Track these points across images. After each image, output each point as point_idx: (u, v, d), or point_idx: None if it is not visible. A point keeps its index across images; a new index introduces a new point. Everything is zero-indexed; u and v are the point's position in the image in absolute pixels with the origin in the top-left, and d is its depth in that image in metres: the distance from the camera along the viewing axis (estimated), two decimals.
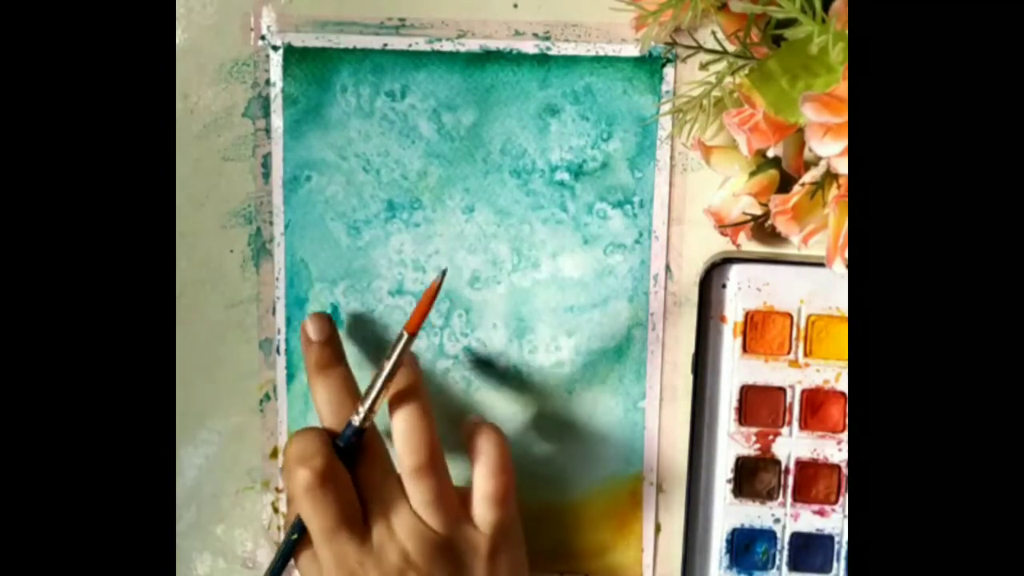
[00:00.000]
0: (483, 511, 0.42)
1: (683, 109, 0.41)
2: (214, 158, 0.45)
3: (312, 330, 0.44)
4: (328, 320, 0.44)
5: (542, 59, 0.43)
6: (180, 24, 0.44)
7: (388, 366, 0.41)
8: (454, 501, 0.42)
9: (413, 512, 0.41)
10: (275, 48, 0.44)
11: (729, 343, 0.45)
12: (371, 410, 0.41)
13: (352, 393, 0.43)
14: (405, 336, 0.41)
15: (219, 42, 0.44)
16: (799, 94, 0.35)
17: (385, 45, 0.44)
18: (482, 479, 0.42)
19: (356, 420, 0.41)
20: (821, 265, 0.41)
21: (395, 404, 0.42)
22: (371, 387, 0.41)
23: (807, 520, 0.46)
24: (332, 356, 0.43)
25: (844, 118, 0.34)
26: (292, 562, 0.42)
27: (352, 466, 0.41)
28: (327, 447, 0.41)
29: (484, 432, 0.42)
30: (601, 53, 0.43)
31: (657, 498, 0.46)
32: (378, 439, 0.42)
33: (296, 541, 0.41)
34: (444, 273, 0.41)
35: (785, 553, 0.46)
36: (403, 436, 0.41)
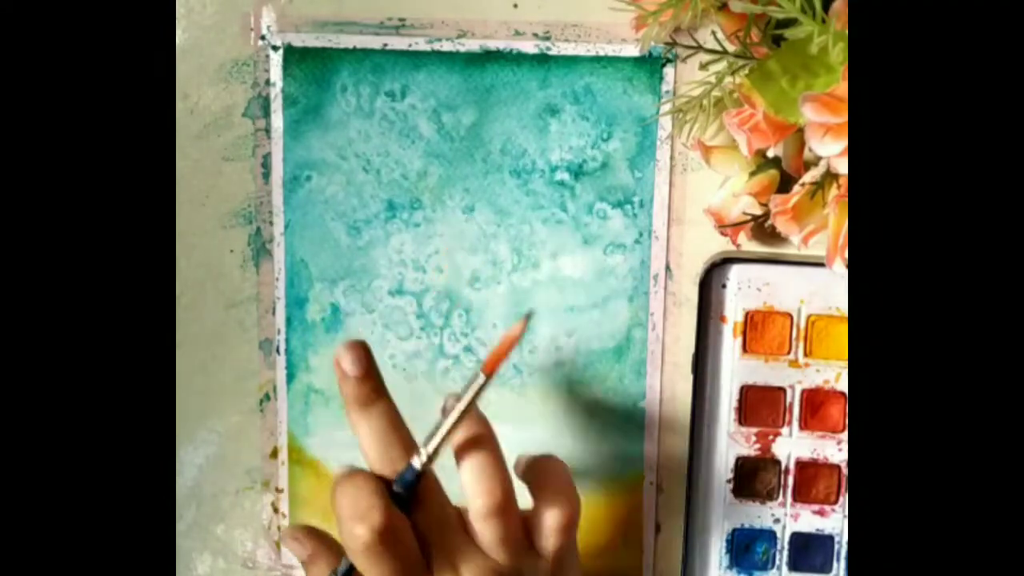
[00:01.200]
0: (549, 541, 0.40)
1: (683, 109, 0.41)
2: (214, 158, 0.45)
3: (348, 364, 0.39)
4: (364, 349, 0.39)
5: (542, 59, 0.43)
6: (180, 24, 0.44)
7: (460, 407, 0.38)
8: (524, 535, 0.40)
9: (480, 552, 0.38)
10: (275, 48, 0.44)
11: (729, 343, 0.45)
12: (436, 453, 0.38)
13: (400, 430, 0.39)
14: (482, 378, 0.38)
15: (219, 42, 0.44)
16: (799, 94, 0.35)
17: (385, 45, 0.44)
18: (548, 511, 0.40)
19: (418, 463, 0.38)
20: (821, 265, 0.41)
21: (463, 446, 0.39)
22: (438, 428, 0.38)
23: (807, 520, 0.46)
24: (374, 390, 0.39)
25: (844, 118, 0.34)
26: None
27: (409, 510, 0.38)
28: (383, 498, 0.37)
29: (550, 461, 0.41)
30: (601, 53, 0.43)
31: (657, 498, 0.46)
32: (432, 476, 0.39)
33: None
34: (529, 316, 0.39)
35: (785, 553, 0.46)
36: (476, 477, 0.38)
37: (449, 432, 0.38)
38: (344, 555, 0.39)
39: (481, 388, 0.38)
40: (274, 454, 0.47)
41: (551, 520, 0.40)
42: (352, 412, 0.39)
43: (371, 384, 0.39)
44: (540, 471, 0.40)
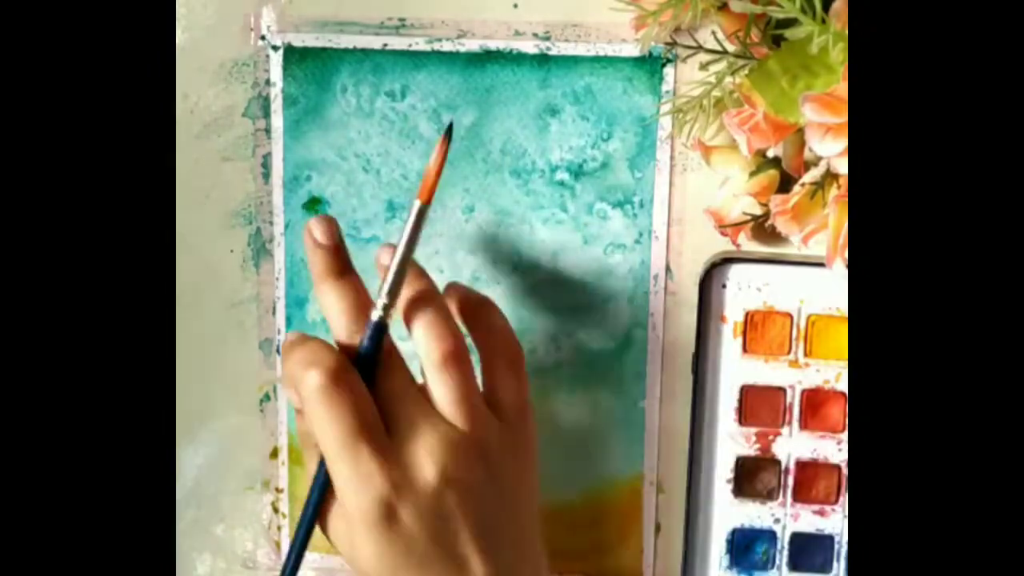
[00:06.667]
0: (502, 391, 0.39)
1: (683, 109, 0.41)
2: (214, 158, 0.45)
3: (320, 233, 0.39)
4: (334, 223, 0.40)
5: (542, 59, 0.43)
6: (180, 24, 0.44)
7: (404, 240, 0.38)
8: (480, 396, 0.38)
9: (444, 420, 0.37)
10: (275, 48, 0.44)
11: (729, 343, 0.45)
12: (391, 299, 0.38)
13: (366, 305, 0.38)
14: (418, 205, 0.38)
15: (219, 42, 0.44)
16: (799, 94, 0.35)
17: (385, 45, 0.44)
18: (498, 357, 0.39)
19: (376, 315, 0.37)
20: (821, 265, 0.41)
21: (411, 303, 0.38)
22: (387, 270, 0.38)
23: (807, 520, 0.46)
24: (343, 263, 0.39)
25: (844, 118, 0.34)
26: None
27: (371, 379, 0.37)
28: (337, 351, 0.37)
29: (481, 302, 0.40)
30: (601, 53, 0.43)
31: (657, 498, 0.46)
32: (395, 349, 0.38)
33: (322, 493, 0.37)
34: (451, 127, 0.38)
35: (785, 553, 0.46)
36: (426, 329, 0.38)
37: (398, 275, 0.38)
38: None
39: (420, 216, 0.38)
40: (274, 454, 0.47)
41: (500, 362, 0.39)
42: (321, 284, 0.39)
43: (341, 256, 0.39)
44: (474, 311, 0.40)
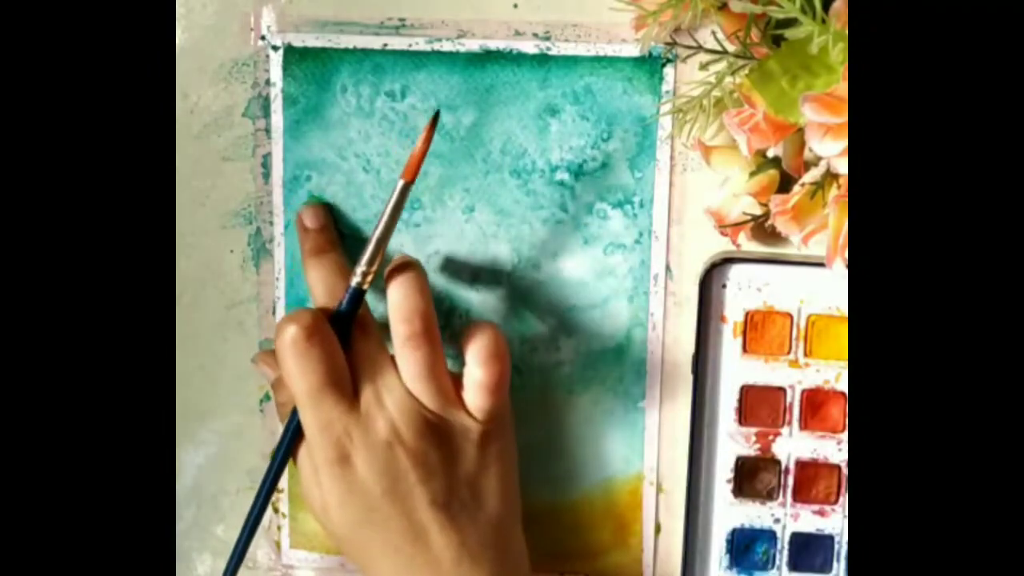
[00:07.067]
0: (476, 398, 0.41)
1: (683, 109, 0.41)
2: (214, 158, 0.45)
3: (308, 218, 0.44)
4: (325, 209, 0.44)
5: (542, 59, 0.43)
6: (180, 24, 0.44)
7: (386, 215, 0.40)
8: (447, 381, 0.41)
9: (404, 387, 0.40)
10: (275, 48, 0.44)
11: (729, 343, 0.45)
12: (370, 266, 0.40)
13: (346, 277, 0.41)
14: (401, 183, 0.40)
15: (219, 42, 0.44)
16: (799, 94, 0.35)
17: (385, 45, 0.44)
18: (475, 366, 0.41)
19: (355, 280, 0.41)
20: (821, 265, 0.41)
21: (391, 276, 0.41)
22: (368, 241, 0.41)
23: (807, 520, 0.46)
24: (328, 242, 0.43)
25: (844, 118, 0.34)
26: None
27: (347, 340, 0.40)
28: (320, 312, 0.40)
29: (476, 323, 0.42)
30: (601, 53, 0.43)
31: (657, 498, 0.46)
32: (372, 319, 0.42)
33: (293, 437, 0.41)
34: (437, 113, 0.41)
35: (785, 553, 0.46)
36: (397, 305, 0.40)
37: (378, 247, 0.40)
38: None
39: (403, 193, 0.40)
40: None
41: (474, 376, 0.41)
42: (308, 261, 0.43)
43: (327, 236, 0.44)
44: (469, 329, 0.42)
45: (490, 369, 0.41)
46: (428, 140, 0.40)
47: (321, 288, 0.42)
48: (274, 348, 0.41)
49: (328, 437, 0.39)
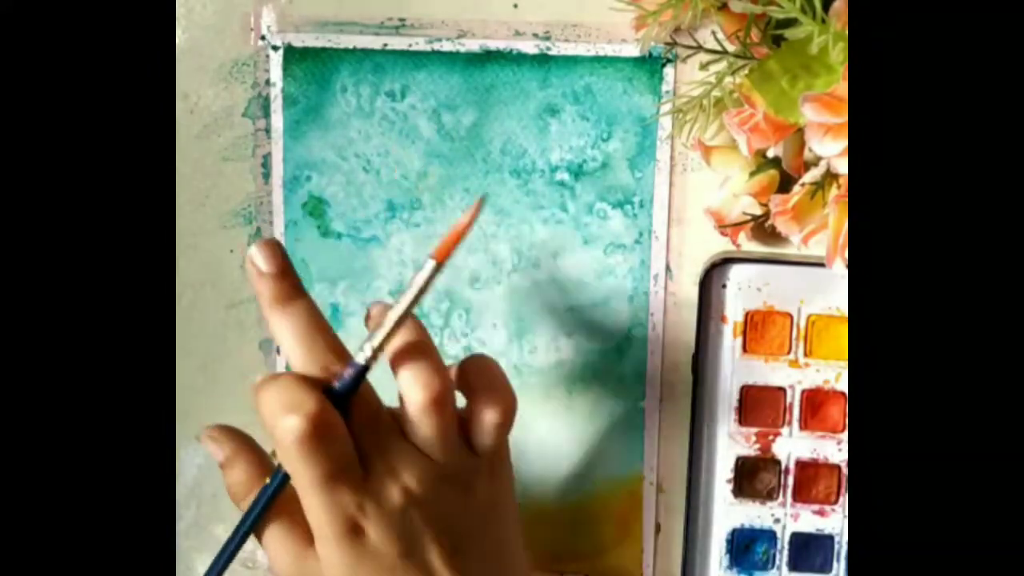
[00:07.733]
0: (485, 437, 0.38)
1: (683, 109, 0.41)
2: (214, 158, 0.45)
3: (262, 261, 0.37)
4: (278, 247, 0.37)
5: (542, 59, 0.43)
6: (180, 24, 0.44)
7: (410, 296, 0.36)
8: (457, 434, 0.38)
9: (418, 451, 0.37)
10: (275, 48, 0.44)
11: (729, 343, 0.45)
12: (381, 348, 0.36)
13: (324, 329, 0.37)
14: (432, 264, 0.35)
15: (219, 42, 0.44)
16: (799, 94, 0.35)
17: (385, 45, 0.44)
18: (485, 409, 0.38)
19: (362, 358, 0.36)
20: (821, 265, 0.41)
21: (401, 346, 0.37)
22: (386, 321, 0.36)
23: (807, 520, 0.46)
24: (293, 287, 0.37)
25: (844, 118, 0.34)
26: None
27: (345, 411, 0.36)
28: (316, 389, 0.35)
29: (482, 360, 0.39)
30: (601, 53, 0.43)
31: (657, 498, 0.46)
32: (368, 384, 0.37)
33: (274, 494, 0.37)
34: (483, 200, 0.36)
35: (785, 553, 0.46)
36: (415, 372, 0.36)
37: (396, 325, 0.36)
38: (273, 462, 0.37)
39: (432, 275, 0.35)
40: (274, 454, 0.47)
41: (488, 417, 0.38)
42: (271, 313, 0.37)
43: (289, 281, 0.37)
44: (473, 371, 0.39)
45: (501, 409, 0.38)
46: (470, 224, 0.36)
47: (299, 346, 0.36)
48: (267, 431, 0.36)
49: (337, 516, 0.36)
